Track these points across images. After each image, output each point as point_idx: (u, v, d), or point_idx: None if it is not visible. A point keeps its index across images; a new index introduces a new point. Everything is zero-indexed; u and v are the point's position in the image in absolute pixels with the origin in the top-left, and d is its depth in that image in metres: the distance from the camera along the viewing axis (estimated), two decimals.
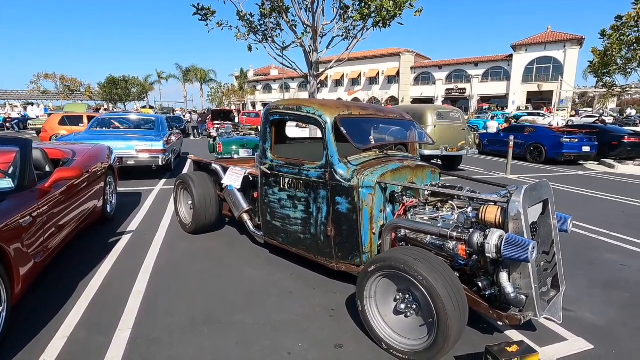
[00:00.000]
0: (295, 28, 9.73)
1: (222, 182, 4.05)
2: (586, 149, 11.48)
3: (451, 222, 2.59)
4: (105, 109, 33.13)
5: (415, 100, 39.88)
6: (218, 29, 9.74)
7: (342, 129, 2.78)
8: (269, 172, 3.27)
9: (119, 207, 5.20)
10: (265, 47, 10.27)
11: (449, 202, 2.78)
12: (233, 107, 43.38)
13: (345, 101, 3.46)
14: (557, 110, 26.79)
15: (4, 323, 2.19)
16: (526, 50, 35.10)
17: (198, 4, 9.35)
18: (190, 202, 4.23)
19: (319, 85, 10.64)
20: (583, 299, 2.98)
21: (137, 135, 7.84)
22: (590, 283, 3.29)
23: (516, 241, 1.98)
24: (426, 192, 3.02)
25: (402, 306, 2.19)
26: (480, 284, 2.29)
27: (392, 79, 43.01)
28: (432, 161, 9.83)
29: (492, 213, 2.28)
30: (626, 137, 12.09)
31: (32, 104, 30.67)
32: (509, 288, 2.10)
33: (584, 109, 35.12)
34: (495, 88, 37.39)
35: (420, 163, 3.21)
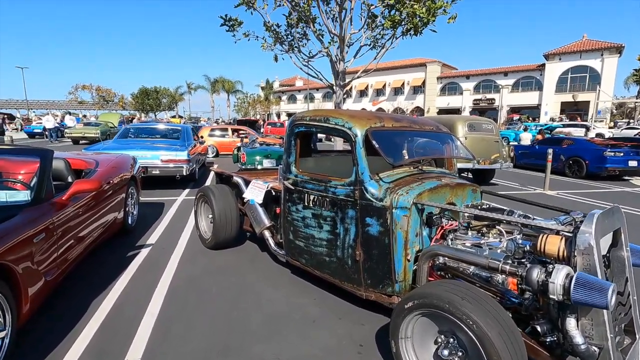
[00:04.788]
0: (322, 37, 9.61)
1: (244, 196, 3.86)
2: (633, 163, 10.61)
3: (499, 251, 2.25)
4: (138, 119, 34.44)
5: (442, 111, 39.01)
6: (245, 39, 9.77)
7: (373, 142, 2.52)
8: (292, 187, 3.04)
9: (141, 218, 5.12)
10: (291, 57, 10.21)
11: (496, 226, 2.44)
12: (258, 116, 44.03)
13: (377, 112, 3.20)
14: (595, 121, 25.31)
15: (7, 349, 2.04)
16: (560, 59, 33.67)
17: (225, 15, 9.42)
18: (210, 216, 4.06)
19: (345, 96, 10.43)
20: None
21: (162, 144, 7.88)
22: None
23: (591, 283, 1.62)
24: (466, 214, 2.68)
25: (445, 352, 1.87)
26: (539, 328, 1.94)
27: (418, 89, 42.36)
28: (462, 174, 9.35)
29: (554, 244, 1.94)
30: None
31: (70, 114, 32.33)
32: (578, 338, 1.73)
33: (623, 120, 33.14)
34: (526, 98, 36.00)
35: (460, 181, 2.89)
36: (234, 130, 15.35)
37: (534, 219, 2.31)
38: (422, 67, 41.33)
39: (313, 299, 3.06)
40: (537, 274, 1.82)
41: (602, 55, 31.73)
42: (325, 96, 47.81)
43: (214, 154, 14.56)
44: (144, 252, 4.01)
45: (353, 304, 2.95)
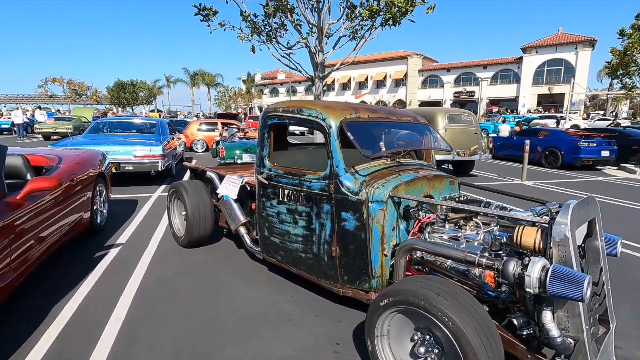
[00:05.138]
0: (301, 28, 9.41)
1: (218, 191, 3.71)
2: (605, 153, 10.95)
3: (476, 244, 2.21)
4: (113, 113, 33.29)
5: (424, 104, 39.36)
6: (221, 30, 9.49)
7: (349, 134, 2.42)
8: (266, 182, 2.92)
9: (112, 217, 4.90)
10: (269, 48, 9.98)
11: (473, 219, 2.39)
12: (240, 110, 43.33)
13: (352, 103, 3.10)
14: (570, 113, 26.06)
15: None
16: (537, 52, 34.41)
17: (200, 5, 9.09)
18: (184, 213, 3.90)
19: (326, 89, 10.30)
20: (631, 332, 2.56)
21: (136, 139, 7.58)
22: (635, 312, 2.87)
23: (566, 275, 1.59)
24: (444, 207, 2.63)
25: (422, 350, 1.81)
26: (515, 322, 1.90)
27: (400, 83, 42.58)
28: (442, 167, 9.41)
29: (530, 236, 1.90)
30: None
31: (40, 108, 30.92)
32: (554, 331, 1.70)
33: (596, 112, 34.26)
34: (505, 91, 36.70)
35: (438, 173, 2.84)
36: (223, 125, 14.97)
37: (510, 210, 2.27)
38: (404, 60, 41.51)
39: (290, 297, 2.97)
40: (513, 267, 1.78)
41: (576, 48, 32.60)
42: (308, 89, 47.43)
43: (204, 149, 14.18)
44: (113, 253, 3.81)
45: (331, 300, 2.87)
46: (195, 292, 3.02)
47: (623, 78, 11.00)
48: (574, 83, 29.19)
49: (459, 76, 39.55)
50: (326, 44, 9.52)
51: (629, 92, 11.43)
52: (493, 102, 37.01)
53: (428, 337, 1.83)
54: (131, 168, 6.88)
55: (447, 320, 1.63)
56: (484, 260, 1.89)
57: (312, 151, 3.90)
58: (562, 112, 27.87)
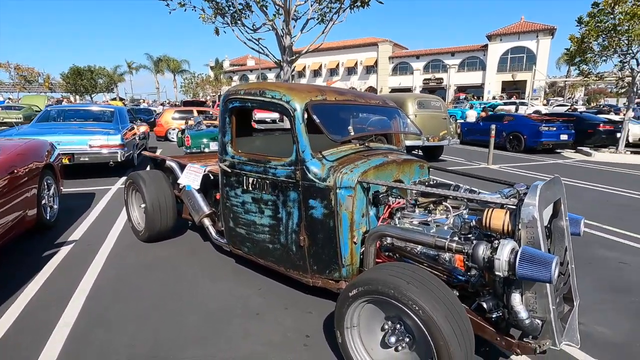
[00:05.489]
0: (267, 9, 9.04)
1: (178, 181, 3.48)
2: (564, 137, 11.49)
3: (446, 227, 2.17)
4: (69, 102, 31.16)
5: (394, 90, 39.71)
6: (180, 9, 8.93)
7: (314, 117, 2.28)
8: (229, 170, 2.74)
9: (65, 212, 4.53)
10: (234, 30, 9.53)
11: (443, 202, 2.35)
12: (208, 97, 41.84)
13: (319, 85, 2.95)
14: (531, 99, 27.23)
15: None
16: (501, 40, 35.43)
17: None
18: (143, 205, 3.64)
19: (297, 75, 10.01)
20: (591, 307, 2.65)
21: (92, 128, 7.06)
22: (594, 287, 2.98)
23: (535, 257, 1.56)
24: (413, 191, 2.58)
25: (392, 339, 1.75)
26: (485, 305, 1.88)
27: (371, 69, 42.67)
28: (412, 152, 9.51)
29: (498, 218, 1.87)
30: (601, 125, 12.18)
31: None
32: (522, 313, 1.69)
33: (555, 98, 35.98)
34: (472, 78, 37.69)
35: (408, 157, 2.77)
36: (199, 112, 14.26)
37: (479, 193, 2.25)
38: (374, 46, 41.54)
39: (258, 289, 2.84)
40: (482, 250, 1.74)
41: (537, 36, 33.84)
42: (278, 76, 46.55)
43: None
44: (64, 250, 3.51)
45: (300, 291, 2.78)
46: (155, 288, 2.83)
47: (580, 65, 11.47)
48: (535, 70, 30.42)
49: (428, 63, 40.15)
50: (294, 26, 9.23)
51: (585, 78, 11.95)
52: (460, 89, 37.96)
53: (398, 325, 1.77)
54: (87, 159, 6.41)
55: (417, 308, 1.56)
56: (454, 245, 1.84)
57: (279, 137, 3.74)
58: (524, 99, 29.00)
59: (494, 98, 32.82)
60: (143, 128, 9.64)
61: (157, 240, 3.71)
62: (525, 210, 1.72)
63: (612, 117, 14.90)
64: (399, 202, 2.44)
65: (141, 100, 38.14)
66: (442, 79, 38.91)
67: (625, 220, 4.72)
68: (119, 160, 6.60)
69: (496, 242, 1.74)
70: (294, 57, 9.57)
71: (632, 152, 11.14)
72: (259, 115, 17.36)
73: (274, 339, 2.25)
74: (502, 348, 1.86)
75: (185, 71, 49.87)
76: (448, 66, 37.76)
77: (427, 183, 2.63)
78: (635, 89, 10.74)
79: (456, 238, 2.03)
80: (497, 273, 1.66)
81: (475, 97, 33.69)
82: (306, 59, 44.73)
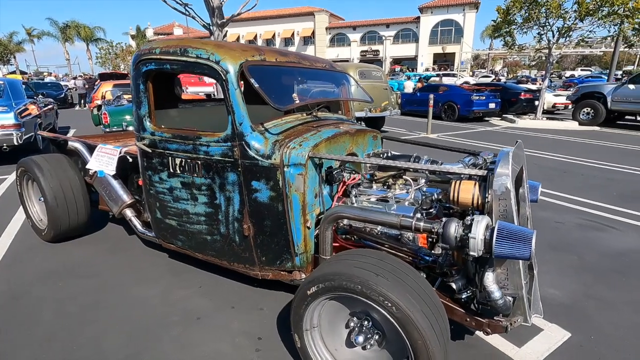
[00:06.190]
0: None
1: (87, 166, 2.85)
2: (492, 105, 12.22)
3: (407, 204, 1.97)
4: None
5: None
6: None
7: (252, 81, 1.87)
8: (150, 150, 2.23)
9: None
10: None
11: (402, 176, 2.14)
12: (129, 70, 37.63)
13: (255, 44, 2.49)
14: (459, 71, 28.82)
15: None
16: (432, 12, 36.53)
17: None
18: (42, 198, 2.95)
19: (225, 38, 9.11)
20: (540, 270, 2.70)
21: None
22: (541, 250, 3.07)
23: (513, 233, 1.39)
24: (369, 165, 2.33)
25: (360, 339, 1.51)
26: (454, 285, 1.73)
27: (308, 40, 41.64)
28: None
29: (467, 191, 1.69)
30: (522, 93, 13.17)
31: None
32: (496, 293, 1.55)
33: (479, 70, 38.54)
34: (406, 50, 38.69)
35: (360, 127, 2.50)
36: (115, 86, 12.36)
37: (442, 163, 2.06)
38: (311, 16, 40.41)
39: (198, 288, 2.44)
40: (454, 229, 1.54)
41: (464, 10, 35.45)
42: None
43: None
44: None
45: (249, 284, 2.45)
46: (64, 303, 2.29)
47: (505, 36, 12.10)
48: (462, 42, 32.08)
49: (364, 34, 40.23)
50: None
51: (510, 49, 12.69)
52: (396, 61, 38.85)
53: (366, 322, 1.53)
54: None
55: (389, 304, 1.33)
56: (421, 224, 1.62)
57: (212, 108, 3.22)
58: (453, 70, 30.58)
59: (426, 70, 34.17)
60: (50, 105, 8.20)
61: (67, 239, 3.07)
62: (498, 181, 1.55)
63: (530, 86, 16.24)
64: (354, 178, 2.18)
65: (46, 74, 33.01)
66: (378, 50, 39.37)
67: (554, 182, 5.06)
68: (16, 143, 5.48)
69: (467, 218, 1.55)
70: (224, 20, 8.65)
71: (547, 118, 12.27)
72: (191, 89, 15.93)
73: (219, 347, 1.91)
74: (471, 328, 1.74)
75: (101, 40, 43.96)
76: (384, 37, 38.20)
77: (382, 155, 2.39)
78: (551, 60, 11.67)
79: (419, 215, 1.84)
80: (471, 253, 1.48)
81: (410, 69, 34.77)
82: (240, 29, 42.14)
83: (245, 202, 2.00)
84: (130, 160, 2.78)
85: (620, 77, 18.58)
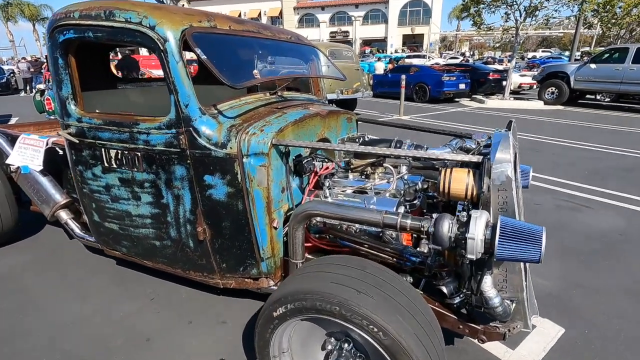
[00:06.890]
0: None
1: (8, 161, 2.38)
2: (462, 86, 12.21)
3: (388, 195, 1.71)
4: None
5: None
6: None
7: (198, 51, 1.50)
8: (77, 140, 1.82)
9: None
10: None
11: (382, 164, 1.87)
12: None
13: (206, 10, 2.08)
14: (429, 52, 28.93)
15: None
16: None
17: None
18: None
19: None
20: None
21: None
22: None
23: (520, 232, 1.15)
24: (343, 152, 2.04)
25: None
26: (445, 290, 1.50)
27: (276, 21, 40.26)
28: None
29: (460, 181, 1.43)
30: (491, 74, 13.27)
31: None
32: (495, 299, 1.33)
33: (446, 51, 38.96)
34: (375, 31, 38.31)
35: (333, 108, 2.19)
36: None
37: (427, 148, 1.80)
38: None
39: (149, 301, 2.10)
40: (448, 228, 1.29)
41: None
42: None
43: None
44: None
45: (210, 292, 2.13)
46: None
47: (474, 15, 12.03)
48: (431, 24, 32.10)
49: (334, 15, 39.40)
50: None
51: (478, 29, 12.67)
52: (365, 42, 38.43)
53: (346, 344, 1.27)
54: None
55: (375, 330, 1.06)
56: (408, 222, 1.35)
57: (155, 88, 2.77)
58: (422, 51, 30.63)
59: (396, 51, 34.05)
60: None
61: None
62: (497, 169, 1.30)
63: (497, 67, 16.45)
64: (327, 167, 1.88)
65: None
66: (348, 32, 38.74)
67: (528, 162, 5.00)
68: None
69: (462, 213, 1.31)
70: None
71: (514, 98, 12.46)
72: (156, 73, 14.69)
73: None
74: (465, 335, 1.53)
75: (48, 19, 40.36)
76: (353, 18, 37.57)
77: (358, 140, 2.10)
78: (518, 39, 11.75)
79: (403, 210, 1.59)
80: (469, 256, 1.24)
81: (380, 51, 34.52)
82: (202, 8, 39.98)
83: (198, 201, 1.66)
84: (61, 152, 2.33)
85: (579, 57, 19.26)
